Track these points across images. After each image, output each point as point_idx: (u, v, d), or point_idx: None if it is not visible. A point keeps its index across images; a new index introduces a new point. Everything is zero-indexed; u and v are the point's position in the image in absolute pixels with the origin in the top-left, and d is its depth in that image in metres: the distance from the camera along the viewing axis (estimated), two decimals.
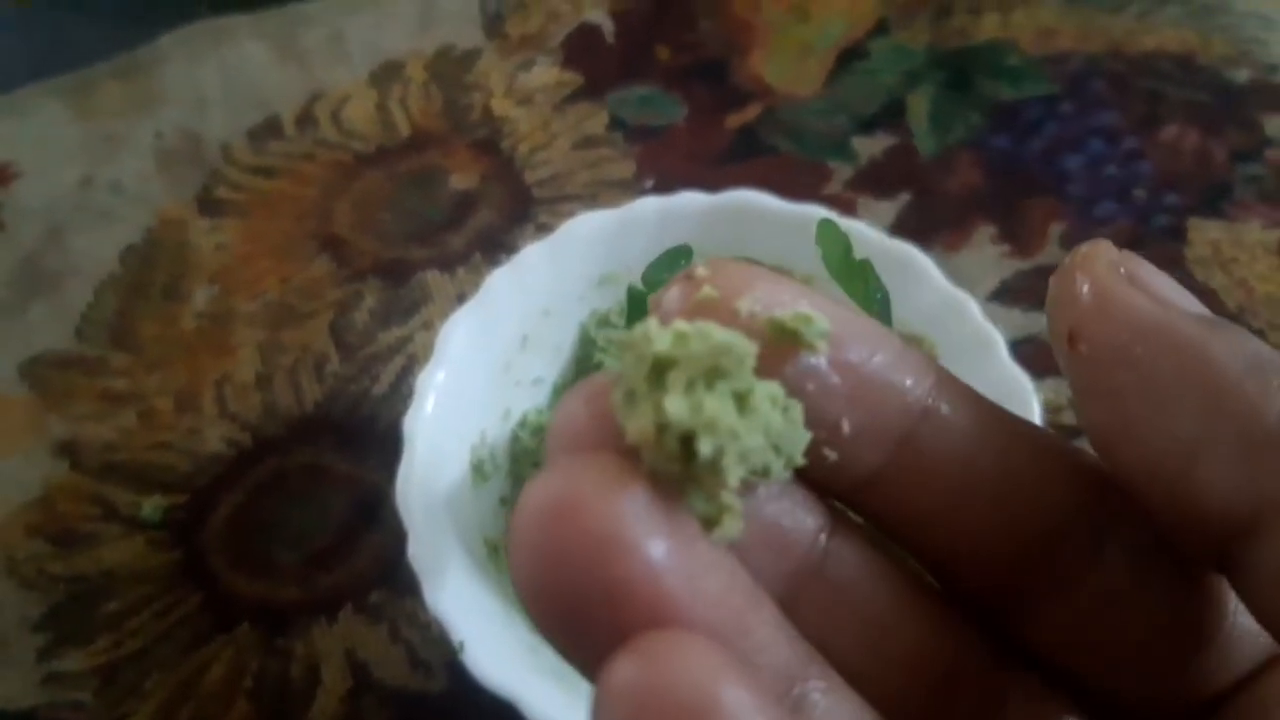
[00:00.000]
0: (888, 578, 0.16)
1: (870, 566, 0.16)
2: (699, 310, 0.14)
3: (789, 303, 0.14)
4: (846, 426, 0.15)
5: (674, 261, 0.28)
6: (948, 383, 0.15)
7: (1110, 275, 0.14)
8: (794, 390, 0.14)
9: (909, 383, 0.15)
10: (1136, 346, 0.14)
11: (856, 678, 0.15)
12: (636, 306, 0.27)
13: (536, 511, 0.12)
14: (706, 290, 0.14)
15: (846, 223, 0.35)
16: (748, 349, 0.13)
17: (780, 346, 0.14)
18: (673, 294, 0.14)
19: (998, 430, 0.15)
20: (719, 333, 0.13)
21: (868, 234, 0.35)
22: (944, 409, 0.15)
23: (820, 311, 0.14)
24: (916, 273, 0.34)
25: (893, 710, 0.15)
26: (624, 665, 0.11)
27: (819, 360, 0.14)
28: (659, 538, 0.12)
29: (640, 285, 0.28)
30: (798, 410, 0.14)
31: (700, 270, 0.14)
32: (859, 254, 0.27)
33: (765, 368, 0.14)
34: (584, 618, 0.12)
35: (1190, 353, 0.14)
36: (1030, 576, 0.15)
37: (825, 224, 0.26)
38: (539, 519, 0.12)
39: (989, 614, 0.16)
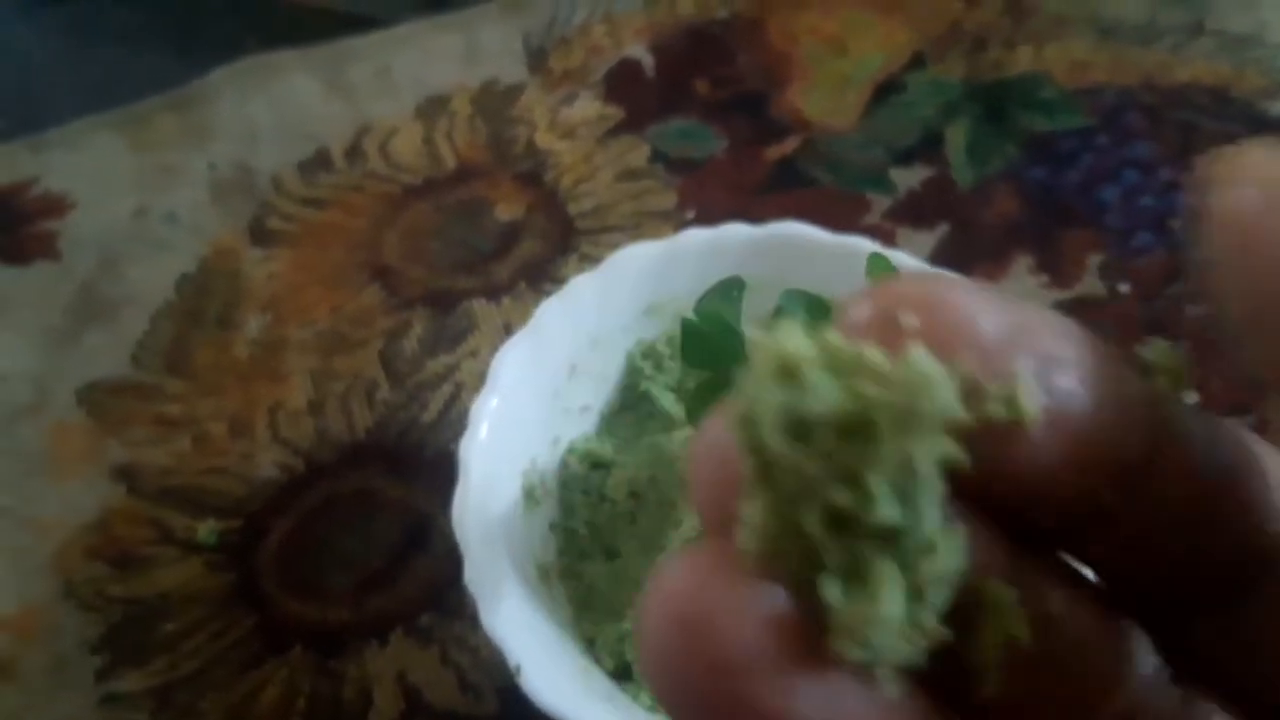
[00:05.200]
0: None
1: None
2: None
3: (1000, 362, 0.12)
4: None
5: (727, 292, 0.29)
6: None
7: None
8: None
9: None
10: None
11: None
12: (690, 339, 0.28)
13: (665, 614, 0.11)
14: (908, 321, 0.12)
15: (890, 254, 0.36)
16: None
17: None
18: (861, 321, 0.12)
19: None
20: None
21: (911, 265, 0.35)
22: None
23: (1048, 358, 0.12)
24: None
25: None
26: None
27: None
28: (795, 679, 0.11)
29: (691, 316, 0.29)
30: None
31: (907, 319, 0.12)
32: None
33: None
34: None
35: None
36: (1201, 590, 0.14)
37: (876, 258, 0.27)
38: (668, 624, 0.11)
39: (1154, 623, 0.14)
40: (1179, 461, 0.13)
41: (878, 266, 0.26)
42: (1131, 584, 0.14)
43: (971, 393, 0.11)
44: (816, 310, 0.27)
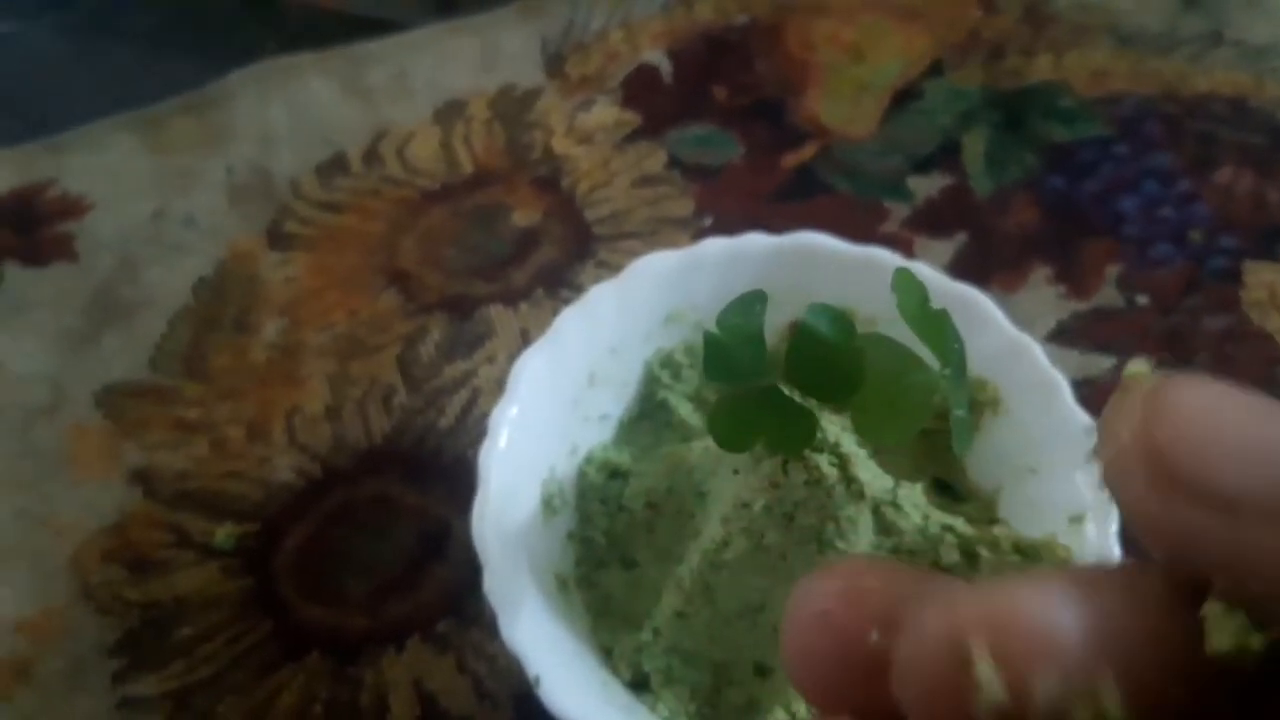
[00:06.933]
0: None
1: None
2: None
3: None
4: None
5: (749, 306, 0.29)
6: None
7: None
8: None
9: None
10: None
11: None
12: (712, 353, 0.28)
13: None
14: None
15: (915, 267, 0.36)
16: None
17: None
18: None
19: None
20: None
21: (931, 276, 0.35)
22: None
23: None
24: (979, 316, 0.35)
25: None
26: None
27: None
28: None
29: (713, 329, 0.29)
30: None
31: (977, 648, 0.12)
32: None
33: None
34: None
35: None
36: None
37: (902, 273, 0.27)
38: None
39: None
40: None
41: (904, 282, 0.26)
42: None
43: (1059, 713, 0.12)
44: (840, 325, 0.26)
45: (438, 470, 0.40)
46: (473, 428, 0.41)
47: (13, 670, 0.37)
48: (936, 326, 0.26)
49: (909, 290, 0.26)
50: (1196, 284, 0.44)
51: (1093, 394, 0.40)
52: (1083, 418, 0.32)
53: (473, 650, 0.36)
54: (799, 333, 0.27)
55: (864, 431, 0.28)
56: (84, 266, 0.48)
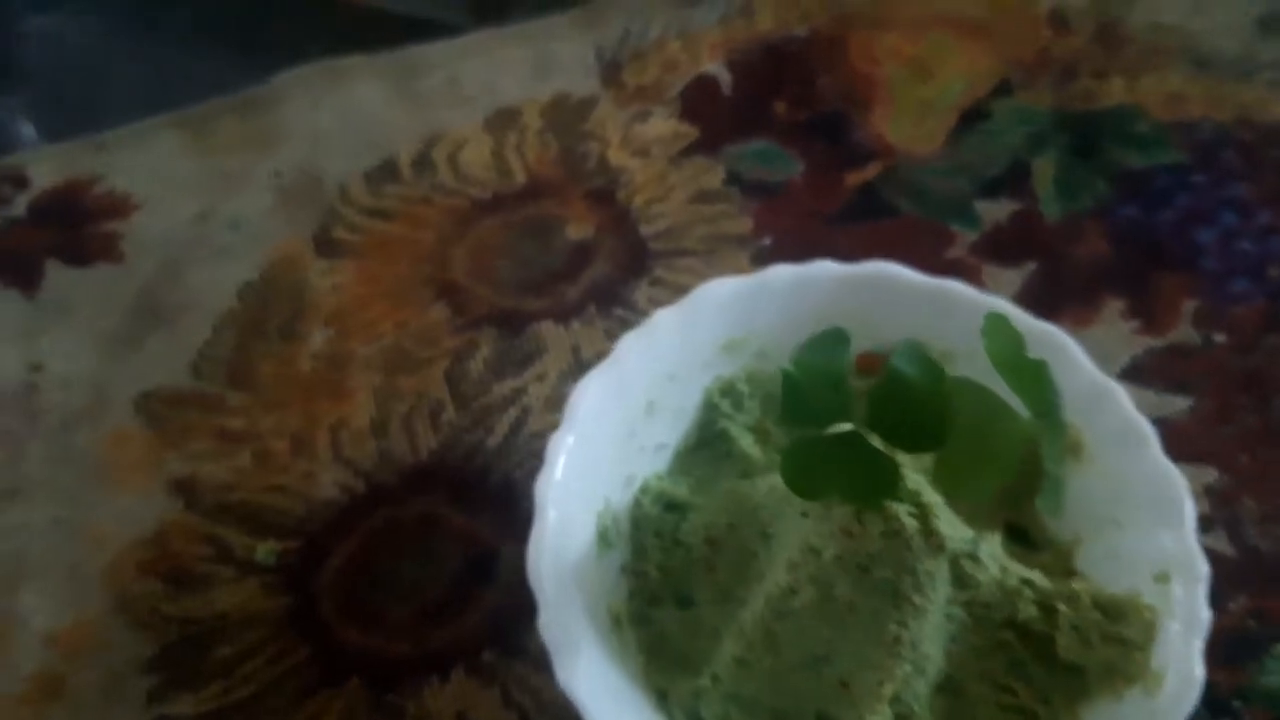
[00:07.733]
0: None
1: None
2: None
3: None
4: None
5: (828, 345, 0.27)
6: None
7: None
8: None
9: None
10: None
11: None
12: (791, 394, 0.26)
13: None
14: None
15: (989, 300, 0.35)
16: None
17: None
18: None
19: None
20: None
21: (1011, 314, 0.33)
22: None
23: None
24: (1061, 356, 0.33)
25: None
26: None
27: None
28: None
29: (790, 367, 0.28)
30: None
31: None
32: None
33: None
34: None
35: None
36: None
37: (994, 318, 0.25)
38: None
39: None
40: None
41: (996, 328, 0.25)
42: None
43: None
44: (929, 370, 0.25)
45: (485, 491, 0.39)
46: (522, 447, 0.40)
47: (44, 685, 0.36)
48: (1033, 377, 0.24)
49: (1002, 337, 0.25)
50: (1277, 322, 0.43)
51: (1168, 434, 0.39)
52: (1173, 471, 0.31)
53: (517, 683, 0.35)
54: (885, 376, 0.25)
55: (946, 484, 0.26)
56: (129, 267, 0.47)
